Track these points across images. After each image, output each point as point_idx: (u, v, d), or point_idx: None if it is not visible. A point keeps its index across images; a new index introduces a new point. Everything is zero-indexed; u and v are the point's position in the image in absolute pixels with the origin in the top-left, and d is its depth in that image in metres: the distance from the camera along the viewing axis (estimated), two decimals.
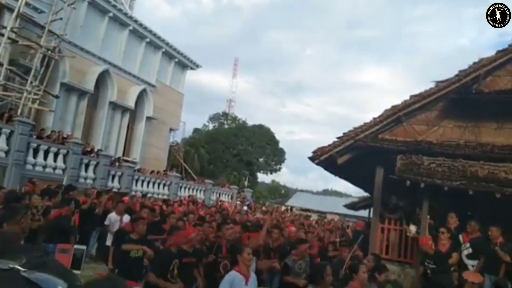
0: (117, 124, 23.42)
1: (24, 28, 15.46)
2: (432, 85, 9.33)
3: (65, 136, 16.32)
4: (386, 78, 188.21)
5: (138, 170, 19.68)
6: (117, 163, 18.35)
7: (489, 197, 7.22)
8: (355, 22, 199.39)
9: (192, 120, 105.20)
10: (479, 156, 7.73)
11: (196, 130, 48.18)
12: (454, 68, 9.23)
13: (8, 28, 14.43)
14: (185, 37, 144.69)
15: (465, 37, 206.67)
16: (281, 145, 47.41)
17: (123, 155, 23.41)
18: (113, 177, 16.56)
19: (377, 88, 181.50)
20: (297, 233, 8.66)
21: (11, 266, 0.85)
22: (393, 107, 9.41)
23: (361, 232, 9.03)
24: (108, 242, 7.47)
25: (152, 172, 20.60)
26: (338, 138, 9.61)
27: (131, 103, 23.63)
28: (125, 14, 22.73)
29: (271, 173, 48.82)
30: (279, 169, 48.24)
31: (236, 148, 43.88)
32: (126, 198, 10.26)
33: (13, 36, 14.86)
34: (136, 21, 23.36)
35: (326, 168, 10.88)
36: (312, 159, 9.85)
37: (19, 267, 0.85)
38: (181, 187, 20.70)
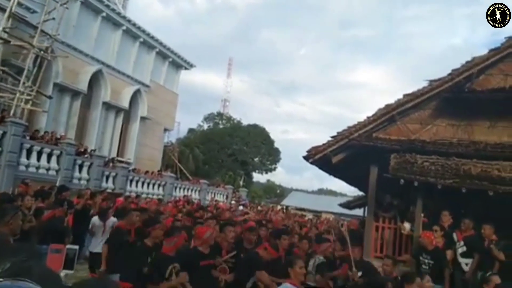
0: (111, 125, 23.31)
1: (16, 28, 15.35)
2: (425, 84, 9.39)
3: (58, 136, 16.22)
4: (379, 77, 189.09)
5: (133, 171, 19.59)
6: (111, 164, 18.26)
7: (482, 195, 7.27)
8: (348, 22, 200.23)
9: (187, 120, 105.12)
10: (472, 154, 7.78)
11: (190, 130, 48.13)
12: (448, 67, 9.30)
13: (0, 28, 14.33)
14: (179, 36, 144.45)
15: (458, 36, 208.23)
16: (276, 145, 47.50)
17: (117, 155, 23.30)
18: (107, 177, 16.48)
19: (371, 88, 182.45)
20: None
21: None
22: (387, 106, 9.45)
23: (356, 231, 9.06)
24: (93, 247, 7.02)
25: (146, 172, 20.52)
26: (332, 137, 9.63)
27: (125, 103, 23.53)
28: (118, 13, 22.62)
29: (266, 173, 48.94)
30: (274, 169, 48.35)
31: (231, 148, 43.85)
32: (120, 199, 10.20)
33: (5, 36, 14.75)
34: (129, 20, 23.25)
35: (320, 167, 10.91)
36: (306, 158, 9.87)
37: None
38: (176, 188, 20.64)
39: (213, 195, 23.29)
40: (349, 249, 5.68)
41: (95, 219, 7.34)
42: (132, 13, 25.88)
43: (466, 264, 6.80)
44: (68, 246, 2.37)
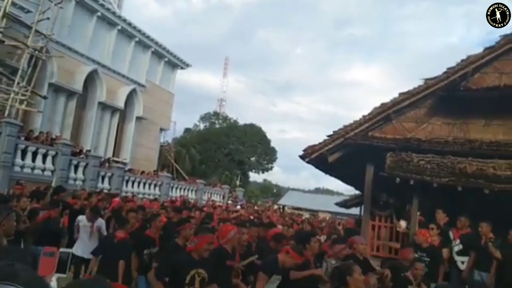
0: (107, 125, 23.23)
1: (10, 28, 15.24)
2: (421, 82, 9.40)
3: (53, 137, 16.16)
4: (375, 76, 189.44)
5: (129, 171, 19.53)
6: (106, 164, 18.19)
7: (478, 193, 7.28)
8: (344, 21, 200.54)
9: (183, 120, 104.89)
10: (467, 152, 7.80)
11: (187, 130, 48.09)
12: (443, 66, 9.31)
13: None
14: (175, 36, 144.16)
15: (453, 35, 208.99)
16: (272, 144, 47.57)
17: (113, 155, 23.22)
18: (103, 178, 16.42)
19: (366, 86, 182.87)
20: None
21: None
22: (382, 104, 9.47)
23: (352, 230, 9.07)
24: (78, 250, 6.25)
25: (142, 172, 20.47)
26: (328, 136, 9.64)
27: (120, 103, 23.45)
28: (114, 13, 22.54)
29: (262, 172, 48.99)
30: (271, 168, 48.39)
31: (227, 148, 43.84)
32: (116, 199, 10.16)
33: None
34: (124, 20, 23.18)
35: (317, 166, 10.91)
36: (303, 157, 9.86)
37: None
38: (172, 188, 20.60)
39: (209, 195, 23.25)
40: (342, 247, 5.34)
41: (82, 218, 6.71)
42: (128, 12, 25.86)
43: (462, 263, 6.81)
44: (62, 249, 2.34)
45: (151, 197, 16.65)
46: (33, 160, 13.37)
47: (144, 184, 18.82)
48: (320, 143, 9.58)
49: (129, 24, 23.48)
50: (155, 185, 19.49)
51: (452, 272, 6.82)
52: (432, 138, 8.50)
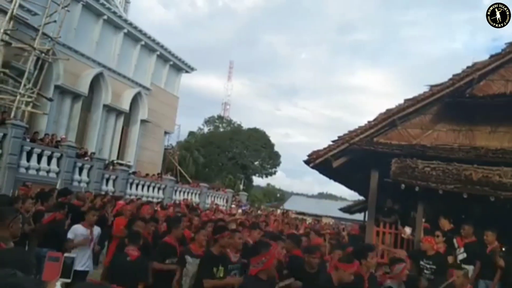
0: (111, 127, 23.33)
1: (17, 31, 15.39)
2: (426, 89, 9.38)
3: (59, 139, 16.22)
4: (379, 81, 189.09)
5: (133, 174, 19.58)
6: (111, 167, 18.25)
7: (484, 201, 7.24)
8: (348, 26, 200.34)
9: (187, 123, 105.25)
10: (473, 159, 7.76)
11: (191, 133, 48.09)
12: (447, 72, 9.31)
13: (2, 30, 14.37)
14: (180, 40, 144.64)
15: (457, 42, 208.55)
16: (276, 148, 47.52)
17: (118, 158, 23.32)
18: (107, 180, 16.47)
19: (370, 91, 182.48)
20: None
21: None
22: (388, 110, 9.45)
23: (357, 236, 9.03)
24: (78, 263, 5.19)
25: (146, 175, 20.50)
26: (333, 141, 9.62)
27: (125, 106, 23.56)
28: (120, 17, 22.70)
29: (266, 177, 48.92)
30: (275, 173, 48.32)
31: (231, 152, 43.85)
32: (121, 202, 10.17)
33: (6, 38, 14.79)
34: (130, 24, 23.33)
35: (321, 172, 10.88)
36: (307, 162, 9.84)
37: None
38: (176, 191, 20.61)
39: (213, 199, 23.25)
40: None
41: (78, 227, 5.77)
42: (134, 16, 26.01)
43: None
44: (66, 254, 2.35)
45: (155, 200, 16.68)
46: (38, 161, 13.43)
47: (148, 187, 18.85)
48: (324, 148, 9.57)
49: (135, 27, 23.63)
50: (158, 188, 19.52)
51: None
52: (437, 145, 8.46)
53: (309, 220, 27.71)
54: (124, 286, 4.11)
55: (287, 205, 45.70)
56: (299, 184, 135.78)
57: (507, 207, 7.01)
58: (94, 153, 18.17)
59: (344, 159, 9.30)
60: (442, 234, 7.14)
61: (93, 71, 21.11)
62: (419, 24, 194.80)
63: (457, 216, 7.88)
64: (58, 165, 14.03)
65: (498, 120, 8.49)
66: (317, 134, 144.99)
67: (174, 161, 29.71)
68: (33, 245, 6.34)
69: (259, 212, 23.64)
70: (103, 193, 13.27)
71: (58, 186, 11.90)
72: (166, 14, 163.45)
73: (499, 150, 7.81)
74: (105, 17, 21.58)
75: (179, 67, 28.52)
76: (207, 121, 51.92)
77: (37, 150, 13.36)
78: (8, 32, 14.77)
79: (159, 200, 17.19)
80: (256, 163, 46.29)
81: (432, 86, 9.29)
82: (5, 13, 14.71)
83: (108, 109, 22.71)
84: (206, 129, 50.95)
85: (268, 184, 60.70)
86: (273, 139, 47.52)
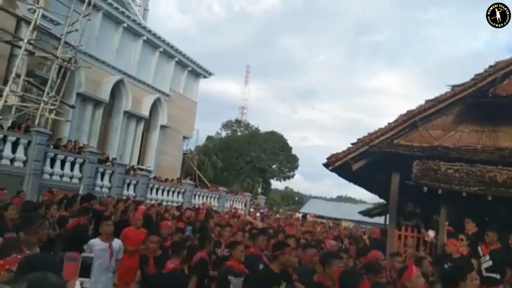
0: (132, 133, 23.70)
1: (40, 40, 15.79)
2: (447, 89, 9.22)
3: (81, 145, 16.56)
4: (398, 82, 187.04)
5: (153, 178, 19.83)
6: (132, 172, 18.52)
7: (508, 203, 7.06)
8: (365, 27, 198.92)
9: (205, 127, 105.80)
10: (497, 161, 7.57)
11: (209, 138, 48.36)
12: (469, 71, 9.14)
13: (26, 40, 14.78)
14: (197, 45, 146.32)
15: (478, 40, 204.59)
16: (294, 152, 47.27)
17: (138, 163, 23.66)
18: (128, 185, 16.72)
19: (389, 93, 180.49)
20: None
21: None
22: (408, 112, 9.32)
23: (378, 240, 8.91)
24: (96, 284, 4.83)
25: (166, 180, 20.72)
26: (352, 144, 9.53)
27: (145, 112, 23.90)
28: (139, 24, 23.09)
29: (284, 180, 48.68)
30: (293, 176, 48.08)
31: (249, 155, 43.88)
32: (142, 207, 10.30)
33: (30, 48, 15.21)
34: (149, 31, 23.69)
35: (340, 175, 10.78)
36: (326, 165, 9.77)
37: None
38: (195, 195, 20.77)
39: (231, 203, 23.31)
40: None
41: (95, 241, 5.20)
42: (152, 23, 26.40)
43: None
44: (84, 254, 2.41)
45: (174, 204, 16.84)
46: (62, 168, 13.73)
47: (168, 191, 19.05)
48: (344, 151, 9.48)
49: (154, 34, 23.97)
50: (178, 193, 19.70)
51: None
52: (460, 146, 8.29)
53: (329, 223, 27.46)
54: None
55: (305, 209, 45.44)
56: (318, 187, 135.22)
57: None
58: (115, 159, 18.49)
59: (364, 162, 9.19)
60: (466, 237, 6.98)
61: (113, 78, 21.51)
62: (439, 23, 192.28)
63: (481, 219, 7.69)
64: (80, 171, 14.32)
65: None
66: (334, 137, 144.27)
67: (193, 165, 29.94)
68: (58, 249, 6.48)
69: (277, 215, 23.59)
70: (124, 198, 13.48)
71: (80, 192, 12.15)
72: (183, 20, 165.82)
73: None
74: (125, 25, 21.98)
75: (197, 72, 28.78)
76: (225, 125, 52.15)
77: (60, 157, 13.67)
78: (32, 42, 15.19)
79: (179, 204, 17.34)
80: (274, 166, 46.19)
81: (453, 86, 9.13)
82: (29, 23, 15.14)
83: (129, 115, 23.09)
84: (224, 134, 51.20)
85: (286, 188, 60.48)
86: (290, 142, 47.36)
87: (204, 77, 29.82)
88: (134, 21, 22.56)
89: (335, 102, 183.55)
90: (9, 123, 13.93)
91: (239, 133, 50.30)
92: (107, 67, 21.34)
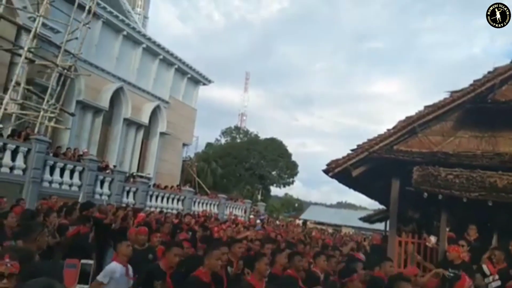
0: (132, 140, 23.71)
1: (40, 48, 15.86)
2: (446, 95, 9.24)
3: (81, 153, 16.55)
4: (397, 89, 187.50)
5: (153, 186, 19.80)
6: (131, 179, 18.49)
7: (509, 208, 7.05)
8: (364, 34, 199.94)
9: (205, 134, 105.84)
10: (497, 166, 7.58)
11: (208, 145, 48.39)
12: (467, 77, 9.19)
13: (26, 48, 14.83)
14: (197, 53, 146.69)
15: (476, 46, 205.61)
16: (293, 158, 47.32)
17: (138, 170, 23.64)
18: (128, 193, 16.69)
19: (388, 99, 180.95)
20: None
21: None
22: (408, 118, 9.33)
23: (379, 246, 8.88)
24: None
25: (166, 187, 20.69)
26: (352, 150, 9.53)
27: (145, 119, 23.93)
28: (139, 32, 23.20)
29: (284, 186, 48.67)
30: (292, 182, 48.07)
31: (248, 162, 43.88)
32: (142, 214, 10.28)
33: (30, 56, 15.25)
34: (149, 39, 23.81)
35: (340, 181, 10.77)
36: (326, 171, 9.76)
37: None
38: (194, 202, 20.73)
39: (231, 210, 23.26)
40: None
41: (115, 266, 4.39)
42: (152, 31, 26.55)
43: None
44: (83, 261, 2.41)
45: (174, 211, 16.79)
46: (61, 175, 13.71)
47: (168, 198, 19.01)
48: (343, 157, 9.47)
49: (154, 42, 24.09)
50: (178, 200, 19.66)
51: None
52: (459, 152, 8.29)
53: (329, 230, 27.41)
54: None
55: (305, 215, 45.43)
56: (317, 193, 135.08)
57: None
58: (115, 166, 18.47)
59: (363, 168, 9.19)
60: (466, 243, 6.95)
61: (113, 85, 21.56)
62: (437, 30, 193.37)
63: (482, 224, 7.68)
64: (80, 179, 14.30)
65: None
66: (334, 143, 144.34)
67: (192, 172, 29.92)
68: (58, 258, 6.44)
69: (277, 222, 23.55)
70: (123, 205, 13.44)
71: (80, 200, 12.12)
72: (183, 29, 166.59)
73: None
74: (125, 32, 22.08)
75: (197, 79, 28.87)
76: (224, 132, 52.21)
77: (59, 164, 13.66)
78: (32, 50, 15.25)
79: (178, 211, 17.30)
80: (273, 173, 46.18)
81: (452, 92, 9.16)
82: (29, 31, 15.20)
83: (128, 122, 23.11)
84: (223, 140, 51.26)
85: (286, 194, 60.38)
86: (290, 149, 47.44)
87: (204, 84, 29.91)
88: (134, 29, 22.67)
89: (334, 108, 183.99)
90: (8, 131, 13.93)
91: (238, 140, 50.35)
92: (107, 74, 21.41)
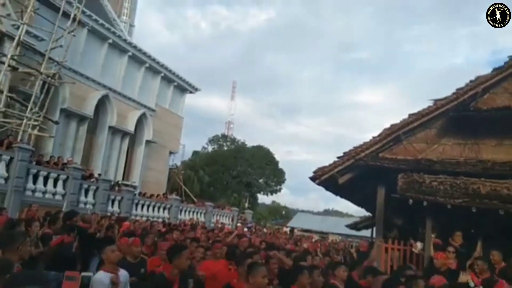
0: (117, 149, 23.44)
1: (24, 56, 15.62)
2: (430, 103, 9.41)
3: (65, 161, 16.29)
4: (382, 97, 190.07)
5: (138, 194, 19.57)
6: (116, 188, 18.24)
7: (492, 215, 7.17)
8: (349, 44, 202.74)
9: (192, 142, 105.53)
10: (480, 173, 7.72)
11: (195, 153, 48.16)
12: (450, 86, 9.37)
13: (9, 56, 14.60)
14: (183, 61, 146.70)
15: (458, 56, 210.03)
16: (280, 166, 47.39)
17: (123, 179, 23.34)
18: (113, 201, 16.45)
19: (373, 108, 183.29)
20: None
21: None
22: (392, 126, 9.47)
23: (365, 253, 8.91)
24: None
25: (152, 195, 20.47)
26: (338, 157, 9.61)
27: (130, 127, 23.72)
28: (124, 40, 23.08)
29: (271, 194, 48.67)
30: (279, 190, 48.10)
31: (235, 170, 43.80)
32: (127, 223, 10.14)
33: (13, 63, 15.01)
34: (135, 47, 23.69)
35: (327, 188, 10.83)
36: (313, 179, 9.82)
37: None
38: (181, 210, 20.53)
39: (218, 218, 23.10)
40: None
41: (102, 276, 3.74)
42: (138, 39, 26.46)
43: None
44: (84, 273, 2.37)
45: (160, 220, 16.60)
46: (45, 184, 13.46)
47: (154, 207, 18.80)
48: (330, 165, 9.55)
49: (140, 50, 23.98)
50: (164, 208, 19.45)
51: None
52: (443, 159, 8.44)
53: (316, 237, 27.44)
54: None
55: (292, 223, 45.38)
56: (304, 201, 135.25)
57: None
58: (100, 175, 18.21)
59: (349, 175, 9.27)
60: (454, 250, 7.01)
61: (98, 93, 21.34)
62: (421, 40, 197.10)
63: (466, 230, 7.78)
64: (64, 187, 14.05)
65: (503, 133, 8.49)
66: (320, 151, 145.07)
67: (179, 180, 29.70)
68: (41, 268, 6.31)
69: (264, 230, 23.46)
70: (108, 214, 13.24)
71: (64, 208, 11.89)
72: (170, 37, 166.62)
73: (506, 163, 7.79)
74: (110, 41, 21.94)
75: (183, 87, 28.79)
76: (211, 140, 52.07)
77: (43, 173, 13.41)
78: (15, 57, 15.02)
79: (164, 220, 17.11)
80: (260, 180, 46.16)
81: (436, 101, 9.33)
82: (13, 39, 15.00)
83: (114, 130, 22.87)
84: (210, 148, 51.08)
85: (273, 202, 60.35)
86: (277, 157, 47.53)
87: (190, 92, 29.82)
88: (119, 37, 22.54)
89: (320, 117, 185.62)
90: None
91: (225, 148, 50.23)
92: (92, 82, 21.19)
